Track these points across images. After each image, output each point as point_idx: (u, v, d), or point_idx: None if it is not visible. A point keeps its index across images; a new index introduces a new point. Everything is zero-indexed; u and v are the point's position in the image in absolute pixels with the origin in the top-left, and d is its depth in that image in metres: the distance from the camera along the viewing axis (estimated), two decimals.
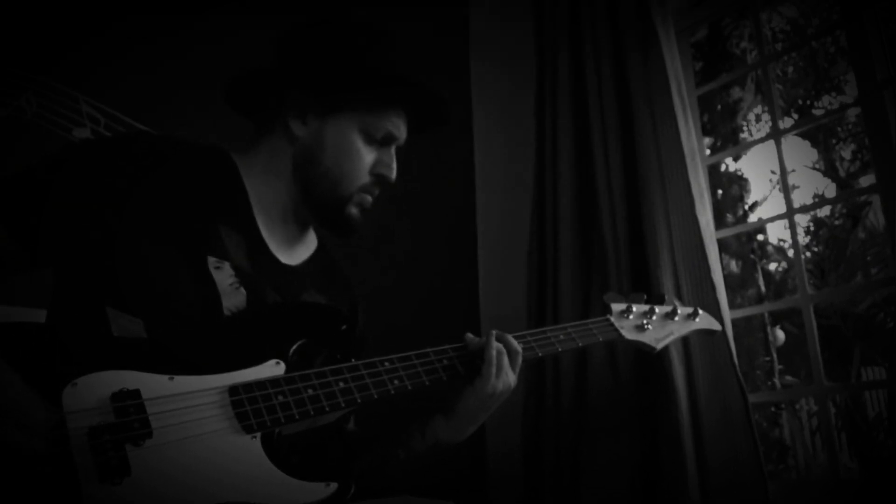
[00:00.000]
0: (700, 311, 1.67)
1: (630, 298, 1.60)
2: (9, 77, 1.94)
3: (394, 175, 1.30)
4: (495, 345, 1.27)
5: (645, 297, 1.63)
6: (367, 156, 1.28)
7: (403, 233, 2.51)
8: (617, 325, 1.53)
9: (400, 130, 1.30)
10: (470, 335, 1.31)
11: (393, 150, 1.31)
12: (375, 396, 1.15)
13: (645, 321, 1.56)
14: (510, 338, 1.31)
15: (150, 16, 2.15)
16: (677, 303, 1.65)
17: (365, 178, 1.28)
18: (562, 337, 1.42)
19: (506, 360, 1.28)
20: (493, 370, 1.25)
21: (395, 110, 1.29)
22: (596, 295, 2.14)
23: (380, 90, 1.27)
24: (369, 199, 1.31)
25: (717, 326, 1.72)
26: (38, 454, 0.88)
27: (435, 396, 1.28)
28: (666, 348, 1.85)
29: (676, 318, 1.62)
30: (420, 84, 1.28)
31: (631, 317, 1.56)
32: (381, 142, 1.28)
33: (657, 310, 1.60)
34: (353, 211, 1.29)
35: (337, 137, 1.26)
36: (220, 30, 2.22)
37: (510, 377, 1.28)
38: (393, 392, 1.16)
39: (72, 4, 2.04)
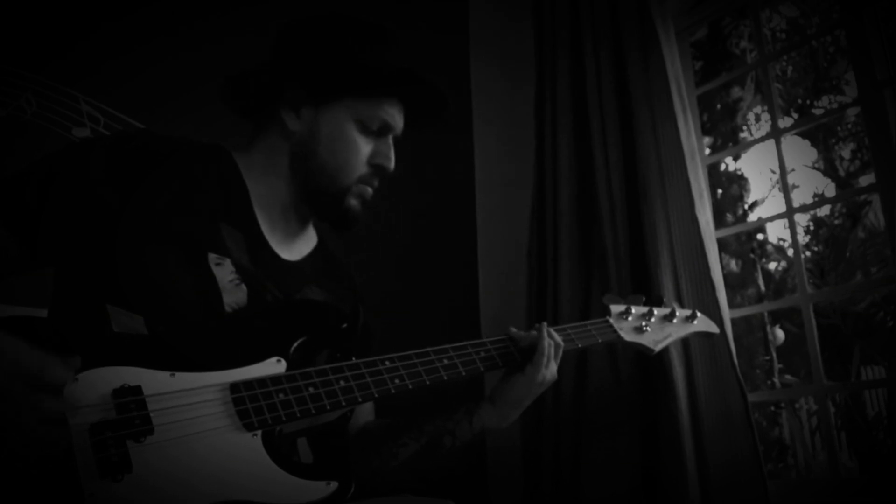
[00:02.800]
0: (698, 314, 1.68)
1: (628, 300, 1.61)
2: (9, 77, 1.94)
3: (392, 165, 1.30)
4: (551, 336, 1.36)
5: (643, 298, 1.64)
6: (364, 147, 1.27)
7: (403, 232, 2.51)
8: (616, 326, 1.54)
9: (395, 120, 1.30)
10: (514, 329, 1.39)
11: (390, 140, 1.31)
12: (376, 395, 1.15)
13: (643, 323, 1.57)
14: (554, 332, 1.39)
15: (149, 15, 2.14)
16: (675, 305, 1.66)
17: (363, 168, 1.28)
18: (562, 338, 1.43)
19: (556, 351, 1.37)
20: (544, 360, 1.33)
21: (390, 100, 1.29)
22: (596, 294, 2.14)
23: (373, 80, 1.26)
24: (369, 190, 1.30)
25: (714, 329, 1.72)
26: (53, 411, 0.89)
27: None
28: (666, 348, 1.86)
29: (675, 321, 1.63)
30: (414, 72, 1.28)
31: (630, 318, 1.57)
32: (378, 132, 1.28)
33: (655, 312, 1.60)
34: (353, 203, 1.29)
35: (331, 128, 1.25)
36: (221, 30, 2.22)
37: (554, 368, 1.36)
38: (393, 391, 1.17)
39: (72, 4, 2.04)
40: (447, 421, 1.33)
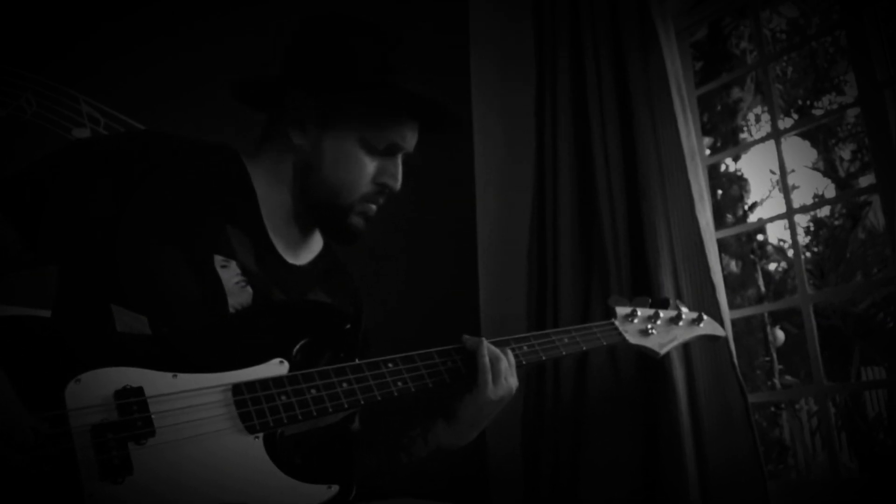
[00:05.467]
0: (704, 317, 1.65)
1: (634, 302, 1.59)
2: (9, 77, 1.94)
3: (398, 185, 1.27)
4: (490, 351, 1.25)
5: (649, 300, 1.61)
6: (369, 165, 1.25)
7: (403, 233, 2.50)
8: (621, 329, 1.52)
9: (406, 140, 1.27)
10: (467, 336, 1.28)
11: (399, 159, 1.28)
12: (378, 398, 1.14)
13: (649, 326, 1.55)
14: (497, 350, 1.27)
15: (149, 15, 2.14)
16: (682, 307, 1.64)
17: (366, 187, 1.25)
18: (566, 340, 1.41)
19: (504, 365, 1.25)
20: (489, 377, 1.23)
21: (401, 120, 1.26)
22: (596, 295, 2.14)
23: (382, 101, 1.24)
24: (373, 208, 1.28)
25: (721, 332, 1.70)
26: (19, 468, 0.87)
27: (438, 398, 1.27)
28: None
29: (681, 323, 1.61)
30: (425, 98, 1.25)
31: (635, 321, 1.54)
32: (384, 151, 1.26)
33: (661, 314, 1.58)
34: (356, 220, 1.27)
35: (335, 147, 1.23)
36: (221, 30, 2.22)
37: (511, 382, 1.26)
38: (396, 394, 1.16)
39: (72, 4, 2.04)
40: (402, 437, 1.28)
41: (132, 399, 0.96)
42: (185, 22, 2.22)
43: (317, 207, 1.26)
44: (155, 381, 0.99)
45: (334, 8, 1.34)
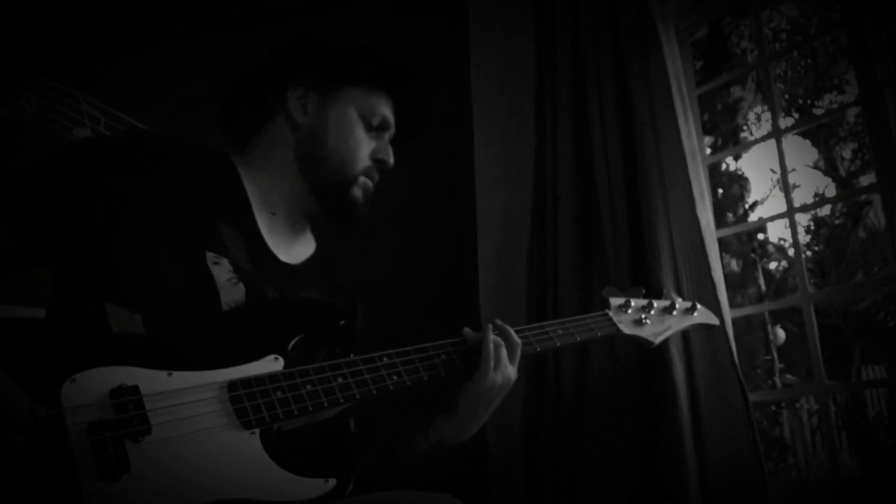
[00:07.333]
0: (698, 306, 1.67)
1: (628, 293, 1.60)
2: (9, 77, 1.94)
3: (392, 161, 1.36)
4: (493, 338, 1.28)
5: (643, 291, 1.62)
6: (367, 142, 1.34)
7: (403, 232, 2.50)
8: (615, 319, 1.53)
9: (390, 119, 1.37)
10: (468, 330, 1.31)
11: (387, 137, 1.38)
12: (374, 392, 1.15)
13: (643, 315, 1.56)
14: (509, 329, 1.31)
15: (149, 15, 2.15)
16: (675, 297, 1.65)
17: (366, 161, 1.34)
18: (560, 332, 1.42)
19: (504, 353, 1.28)
20: (491, 364, 1.25)
21: (385, 94, 1.37)
22: (596, 294, 2.14)
23: (371, 66, 1.35)
24: (371, 183, 1.36)
25: (714, 321, 1.71)
26: (18, 450, 0.87)
27: (435, 391, 1.28)
28: (666, 346, 1.85)
29: (675, 313, 1.62)
30: (408, 64, 1.37)
31: (629, 311, 1.55)
32: (379, 128, 1.35)
33: (655, 304, 1.59)
34: (358, 193, 1.33)
35: (338, 118, 1.32)
36: (221, 29, 2.23)
37: (509, 371, 1.28)
38: (391, 388, 1.16)
39: (72, 4, 2.04)
40: (402, 430, 1.30)
41: (128, 397, 0.96)
42: (186, 21, 2.23)
43: (323, 183, 1.32)
44: (150, 379, 0.99)
45: (335, 11, 1.36)
